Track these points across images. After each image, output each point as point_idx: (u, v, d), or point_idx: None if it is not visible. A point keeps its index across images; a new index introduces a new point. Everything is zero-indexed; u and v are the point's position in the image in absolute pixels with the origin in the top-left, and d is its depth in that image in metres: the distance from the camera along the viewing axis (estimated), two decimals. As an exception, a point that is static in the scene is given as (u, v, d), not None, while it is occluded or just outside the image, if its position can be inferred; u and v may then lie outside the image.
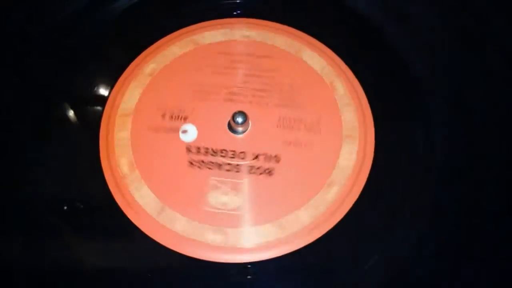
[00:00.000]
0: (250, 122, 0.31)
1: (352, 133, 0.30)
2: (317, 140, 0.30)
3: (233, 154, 0.30)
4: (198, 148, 0.30)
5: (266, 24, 0.34)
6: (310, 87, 0.32)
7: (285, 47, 0.33)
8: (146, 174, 0.29)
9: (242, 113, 0.30)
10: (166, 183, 0.29)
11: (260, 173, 0.29)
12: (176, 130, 0.31)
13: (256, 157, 0.30)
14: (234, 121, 0.30)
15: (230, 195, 0.29)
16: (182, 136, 0.31)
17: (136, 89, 0.32)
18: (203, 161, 0.30)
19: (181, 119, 0.31)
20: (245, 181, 0.29)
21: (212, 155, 0.30)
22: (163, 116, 0.31)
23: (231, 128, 0.31)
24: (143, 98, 0.32)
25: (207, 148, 0.30)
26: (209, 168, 0.29)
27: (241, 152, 0.30)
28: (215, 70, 0.32)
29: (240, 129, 0.31)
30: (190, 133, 0.31)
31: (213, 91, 0.32)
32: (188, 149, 0.30)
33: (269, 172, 0.29)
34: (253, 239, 0.28)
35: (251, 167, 0.29)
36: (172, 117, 0.31)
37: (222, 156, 0.30)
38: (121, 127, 0.31)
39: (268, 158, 0.30)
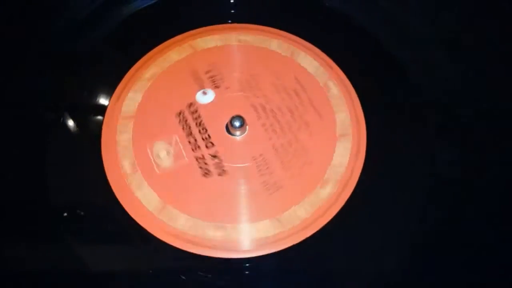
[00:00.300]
0: (247, 126, 0.32)
1: (346, 132, 0.32)
2: (312, 139, 0.31)
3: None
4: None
5: (261, 29, 0.35)
6: (305, 88, 0.33)
7: (279, 50, 0.34)
8: (147, 174, 0.31)
9: (239, 117, 0.32)
10: (167, 182, 0.30)
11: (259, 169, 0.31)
12: (176, 131, 0.32)
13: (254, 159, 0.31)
14: (231, 125, 0.32)
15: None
16: (200, 97, 0.32)
17: (137, 93, 0.33)
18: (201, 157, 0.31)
19: (181, 121, 0.32)
20: (242, 181, 0.30)
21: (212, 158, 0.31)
22: (164, 118, 0.32)
23: (229, 131, 0.32)
24: (143, 102, 0.33)
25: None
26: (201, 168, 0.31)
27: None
28: (213, 75, 0.34)
29: (237, 132, 0.32)
30: (208, 96, 0.32)
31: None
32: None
33: (269, 170, 0.31)
34: (252, 235, 0.29)
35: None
36: (173, 117, 0.32)
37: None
38: (123, 130, 0.32)
39: (265, 157, 0.31)
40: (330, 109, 0.32)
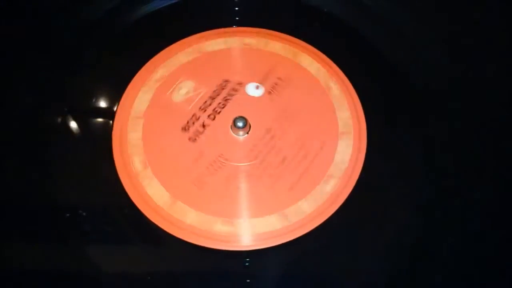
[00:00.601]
0: (250, 125, 0.33)
1: (347, 130, 0.33)
2: (316, 138, 0.33)
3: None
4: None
5: (265, 32, 0.37)
6: (308, 88, 0.35)
7: (282, 52, 0.36)
8: (157, 171, 0.32)
9: (242, 118, 0.33)
10: (177, 178, 0.32)
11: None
12: (185, 130, 0.33)
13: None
14: (235, 125, 0.33)
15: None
16: (250, 87, 0.34)
17: (146, 93, 0.34)
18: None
19: (188, 121, 0.34)
20: (248, 179, 0.32)
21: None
22: (172, 117, 0.34)
23: (233, 132, 0.33)
24: (153, 102, 0.34)
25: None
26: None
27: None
28: (218, 76, 0.35)
29: (241, 132, 0.33)
30: (257, 91, 0.34)
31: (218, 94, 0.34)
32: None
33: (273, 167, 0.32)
34: (260, 229, 0.30)
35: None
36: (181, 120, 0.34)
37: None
38: (133, 129, 0.33)
39: (271, 156, 0.32)
40: (331, 108, 0.34)
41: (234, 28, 0.37)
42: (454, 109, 0.33)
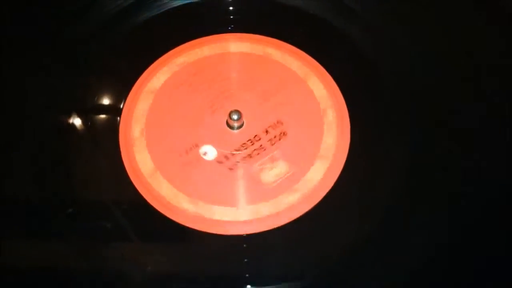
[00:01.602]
0: (244, 119, 0.37)
1: (331, 121, 0.37)
2: (305, 129, 0.36)
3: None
4: (226, 156, 0.36)
5: (256, 38, 0.40)
6: (294, 87, 0.38)
7: (272, 55, 0.40)
8: (161, 167, 0.35)
9: (236, 112, 0.36)
10: (180, 173, 0.35)
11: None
12: (186, 127, 0.37)
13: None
14: (230, 118, 0.36)
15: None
16: (205, 157, 0.36)
17: (150, 94, 0.38)
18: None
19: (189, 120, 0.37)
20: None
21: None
22: (174, 115, 0.37)
23: (229, 125, 0.37)
24: (155, 101, 0.38)
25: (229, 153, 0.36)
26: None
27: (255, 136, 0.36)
28: (213, 77, 0.39)
29: (235, 124, 0.37)
30: (210, 153, 0.36)
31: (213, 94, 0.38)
32: (220, 162, 0.36)
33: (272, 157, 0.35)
34: (254, 214, 0.33)
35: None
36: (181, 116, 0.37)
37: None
38: (137, 125, 0.37)
39: (267, 147, 0.36)
40: (317, 104, 0.38)
41: (229, 34, 0.41)
42: (424, 95, 0.37)
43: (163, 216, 0.33)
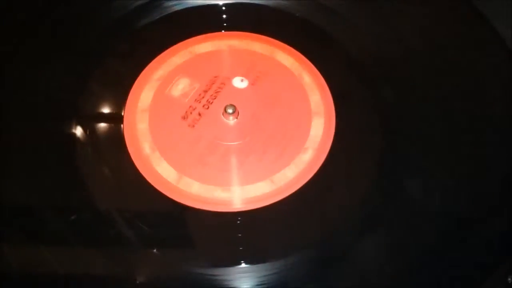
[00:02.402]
0: (239, 111, 0.40)
1: (319, 110, 0.40)
2: (294, 118, 0.40)
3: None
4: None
5: (246, 35, 0.44)
6: (284, 79, 0.42)
7: (261, 50, 0.43)
8: (164, 153, 0.38)
9: (232, 106, 0.40)
10: (181, 158, 0.38)
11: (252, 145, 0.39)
12: (184, 118, 0.40)
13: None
14: (226, 112, 0.40)
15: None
16: (238, 83, 0.41)
17: (149, 91, 0.41)
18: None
19: (186, 111, 0.40)
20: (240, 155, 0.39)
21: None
22: (173, 109, 0.40)
23: (225, 117, 0.40)
24: (155, 97, 0.41)
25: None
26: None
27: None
28: (209, 73, 0.42)
29: (231, 117, 0.40)
30: (242, 83, 0.41)
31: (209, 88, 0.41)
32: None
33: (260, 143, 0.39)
34: (253, 193, 0.37)
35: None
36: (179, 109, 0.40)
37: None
38: (141, 120, 0.40)
39: (258, 135, 0.39)
40: (305, 93, 0.41)
41: (220, 33, 0.44)
42: (405, 88, 0.41)
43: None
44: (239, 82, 0.42)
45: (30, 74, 0.41)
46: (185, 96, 0.41)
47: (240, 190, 0.37)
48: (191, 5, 0.44)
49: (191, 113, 0.40)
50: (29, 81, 0.41)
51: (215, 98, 0.41)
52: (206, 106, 0.40)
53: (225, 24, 0.44)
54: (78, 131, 0.39)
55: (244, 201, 0.37)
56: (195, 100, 0.41)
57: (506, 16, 0.42)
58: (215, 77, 0.42)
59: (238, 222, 0.36)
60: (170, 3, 0.45)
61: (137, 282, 0.34)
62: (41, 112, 0.40)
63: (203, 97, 0.41)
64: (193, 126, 0.40)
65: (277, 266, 0.34)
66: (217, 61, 0.43)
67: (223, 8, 0.45)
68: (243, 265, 0.34)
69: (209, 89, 0.41)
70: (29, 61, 0.42)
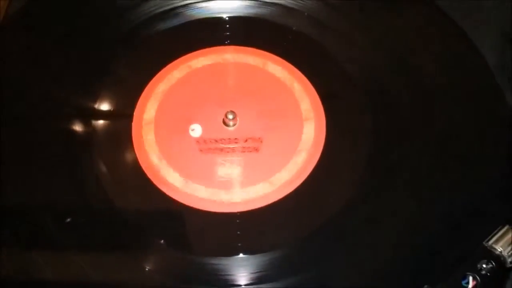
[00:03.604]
0: (238, 118, 0.44)
1: (309, 116, 0.44)
2: (286, 124, 0.44)
3: (229, 141, 0.43)
4: (205, 140, 0.43)
5: (240, 49, 0.47)
6: (276, 89, 0.45)
7: (254, 63, 0.47)
8: (171, 162, 0.42)
9: (232, 112, 0.44)
10: (186, 166, 0.42)
11: (250, 151, 0.42)
12: (187, 130, 0.43)
13: (246, 140, 0.43)
14: (226, 117, 0.44)
15: (231, 168, 0.42)
16: (192, 133, 0.43)
17: (153, 104, 0.45)
18: (210, 148, 0.43)
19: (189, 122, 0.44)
20: (241, 158, 0.42)
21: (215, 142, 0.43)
22: (176, 120, 0.44)
23: (225, 124, 0.44)
24: (159, 110, 0.44)
25: (211, 140, 0.43)
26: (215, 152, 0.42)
27: (235, 139, 0.43)
28: (209, 85, 0.46)
29: (231, 123, 0.44)
30: (196, 131, 0.44)
31: (210, 100, 0.45)
32: (198, 142, 0.43)
33: (256, 149, 0.43)
34: (253, 194, 0.41)
35: (244, 147, 0.43)
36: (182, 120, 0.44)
37: (222, 143, 0.43)
38: (147, 132, 0.43)
39: (254, 140, 0.43)
40: (295, 100, 0.45)
41: (215, 48, 0.47)
42: (389, 92, 0.45)
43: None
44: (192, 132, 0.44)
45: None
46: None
47: (241, 192, 0.41)
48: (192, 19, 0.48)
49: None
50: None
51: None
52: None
53: (223, 38, 0.48)
54: (92, 140, 0.43)
55: (245, 201, 0.40)
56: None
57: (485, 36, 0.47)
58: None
59: (238, 221, 0.40)
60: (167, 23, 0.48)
61: (147, 269, 0.38)
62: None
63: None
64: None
65: (275, 256, 0.38)
66: (212, 75, 0.47)
67: (226, 23, 0.49)
68: (240, 255, 0.38)
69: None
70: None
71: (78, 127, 0.44)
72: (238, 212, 0.40)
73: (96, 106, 0.44)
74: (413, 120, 0.43)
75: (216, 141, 0.43)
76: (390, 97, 0.45)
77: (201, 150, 0.43)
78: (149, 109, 0.44)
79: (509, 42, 0.47)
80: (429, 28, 0.47)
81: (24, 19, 0.49)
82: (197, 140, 0.43)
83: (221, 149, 0.43)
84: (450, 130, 0.43)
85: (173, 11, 0.48)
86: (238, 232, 0.40)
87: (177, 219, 0.41)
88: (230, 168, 0.42)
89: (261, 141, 0.43)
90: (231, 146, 0.43)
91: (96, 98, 0.45)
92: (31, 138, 0.43)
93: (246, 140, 0.43)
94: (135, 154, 0.42)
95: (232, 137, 0.43)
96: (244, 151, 0.43)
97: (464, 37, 0.46)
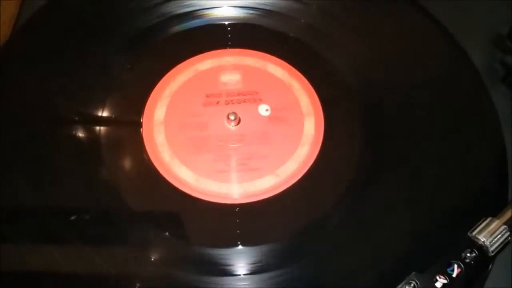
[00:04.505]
0: (240, 117, 0.47)
1: (309, 111, 0.47)
2: (289, 119, 0.47)
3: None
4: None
5: (238, 52, 0.51)
6: (276, 87, 0.49)
7: (254, 64, 0.50)
8: (182, 160, 0.45)
9: (233, 113, 0.47)
10: (197, 162, 0.45)
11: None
12: (196, 129, 0.46)
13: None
14: (229, 118, 0.47)
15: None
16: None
17: (162, 105, 0.47)
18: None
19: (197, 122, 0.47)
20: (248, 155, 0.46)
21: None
22: (185, 119, 0.47)
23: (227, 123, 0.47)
24: (168, 110, 0.47)
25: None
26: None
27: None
28: (213, 87, 0.49)
29: (233, 123, 0.47)
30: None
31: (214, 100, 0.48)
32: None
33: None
34: (261, 186, 0.44)
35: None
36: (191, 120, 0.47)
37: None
38: (158, 132, 0.46)
39: (259, 135, 0.46)
40: (295, 98, 0.48)
41: (218, 51, 0.50)
42: (381, 88, 0.48)
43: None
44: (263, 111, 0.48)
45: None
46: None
47: (248, 185, 0.44)
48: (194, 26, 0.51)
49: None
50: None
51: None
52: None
53: (226, 42, 0.51)
54: (103, 142, 0.46)
55: (254, 194, 0.44)
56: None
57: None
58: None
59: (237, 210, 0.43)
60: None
61: (152, 259, 0.41)
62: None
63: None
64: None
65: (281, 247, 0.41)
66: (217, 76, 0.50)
67: (228, 27, 0.52)
68: (239, 246, 0.41)
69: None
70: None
71: (88, 130, 0.47)
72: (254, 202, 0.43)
73: (105, 109, 0.47)
74: (402, 115, 0.47)
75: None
76: (380, 95, 0.48)
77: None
78: (158, 109, 0.47)
79: (496, 43, 0.51)
80: (418, 31, 0.51)
81: (33, 28, 0.51)
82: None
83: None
84: (442, 128, 0.46)
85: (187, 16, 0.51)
86: (237, 220, 0.43)
87: (192, 213, 0.44)
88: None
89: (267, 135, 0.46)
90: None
91: (104, 102, 0.48)
92: (46, 139, 0.46)
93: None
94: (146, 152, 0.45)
95: (236, 135, 0.47)
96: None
97: (451, 39, 0.50)
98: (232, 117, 0.46)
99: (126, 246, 0.41)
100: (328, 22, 0.51)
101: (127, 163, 0.46)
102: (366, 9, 0.52)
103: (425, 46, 0.50)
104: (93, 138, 0.46)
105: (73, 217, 0.42)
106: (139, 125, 0.47)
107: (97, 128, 0.46)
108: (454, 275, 0.35)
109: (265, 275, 0.39)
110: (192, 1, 0.51)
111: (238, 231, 0.42)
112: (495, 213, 0.38)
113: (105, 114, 0.47)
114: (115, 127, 0.47)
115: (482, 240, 0.36)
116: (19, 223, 0.42)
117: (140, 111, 0.47)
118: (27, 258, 0.40)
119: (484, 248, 0.36)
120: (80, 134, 0.46)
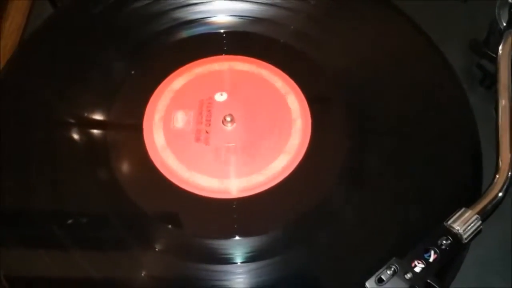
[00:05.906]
0: (235, 119, 0.50)
1: (297, 117, 0.50)
2: (279, 123, 0.50)
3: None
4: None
5: (237, 58, 0.54)
6: (268, 92, 0.52)
7: (249, 69, 0.53)
8: (178, 155, 0.48)
9: (230, 115, 0.50)
10: (192, 158, 0.48)
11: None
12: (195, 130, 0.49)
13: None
14: (225, 120, 0.50)
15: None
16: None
17: (163, 103, 0.51)
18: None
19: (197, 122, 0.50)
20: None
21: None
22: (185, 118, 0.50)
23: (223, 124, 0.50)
24: (168, 109, 0.50)
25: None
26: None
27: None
28: (211, 88, 0.52)
29: (229, 124, 0.50)
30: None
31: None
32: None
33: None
34: (249, 182, 0.46)
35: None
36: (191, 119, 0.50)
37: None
38: (158, 130, 0.49)
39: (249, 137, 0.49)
40: (285, 103, 0.51)
41: (216, 56, 0.54)
42: (368, 92, 0.51)
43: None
44: (219, 96, 0.51)
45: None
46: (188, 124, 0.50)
47: (242, 181, 0.47)
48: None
49: (200, 133, 0.49)
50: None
51: (211, 115, 0.50)
52: (208, 124, 0.50)
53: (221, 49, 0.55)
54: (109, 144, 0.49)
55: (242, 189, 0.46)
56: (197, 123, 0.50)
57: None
58: (201, 100, 0.51)
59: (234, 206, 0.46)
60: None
61: (156, 249, 0.43)
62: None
63: (201, 118, 0.50)
64: (208, 143, 0.49)
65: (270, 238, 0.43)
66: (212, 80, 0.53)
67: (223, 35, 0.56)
68: (236, 237, 0.43)
69: (202, 111, 0.51)
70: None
71: (92, 132, 0.50)
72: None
73: (109, 111, 0.50)
74: (385, 115, 0.50)
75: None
76: (371, 96, 0.51)
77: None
78: (158, 110, 0.50)
79: (473, 48, 0.53)
80: (400, 36, 0.54)
81: (41, 37, 0.55)
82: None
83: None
84: (423, 127, 0.48)
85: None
86: (235, 216, 0.45)
87: (190, 207, 0.46)
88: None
89: (256, 137, 0.49)
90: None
91: (110, 105, 0.51)
92: (50, 139, 0.49)
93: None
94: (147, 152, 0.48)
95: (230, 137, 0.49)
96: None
97: (430, 42, 0.53)
98: (228, 119, 0.50)
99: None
100: (316, 28, 0.55)
101: (128, 164, 0.48)
102: (347, 13, 0.56)
103: (405, 50, 0.53)
104: (96, 140, 0.49)
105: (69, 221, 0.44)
106: (140, 126, 0.49)
107: (101, 131, 0.49)
108: (431, 260, 0.38)
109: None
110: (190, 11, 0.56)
111: (235, 226, 0.44)
112: (469, 205, 0.40)
113: (107, 117, 0.50)
114: (117, 129, 0.50)
115: (457, 228, 0.39)
116: (19, 226, 0.44)
117: (140, 113, 0.50)
118: (27, 262, 0.42)
119: (459, 236, 0.39)
120: (79, 137, 0.49)
